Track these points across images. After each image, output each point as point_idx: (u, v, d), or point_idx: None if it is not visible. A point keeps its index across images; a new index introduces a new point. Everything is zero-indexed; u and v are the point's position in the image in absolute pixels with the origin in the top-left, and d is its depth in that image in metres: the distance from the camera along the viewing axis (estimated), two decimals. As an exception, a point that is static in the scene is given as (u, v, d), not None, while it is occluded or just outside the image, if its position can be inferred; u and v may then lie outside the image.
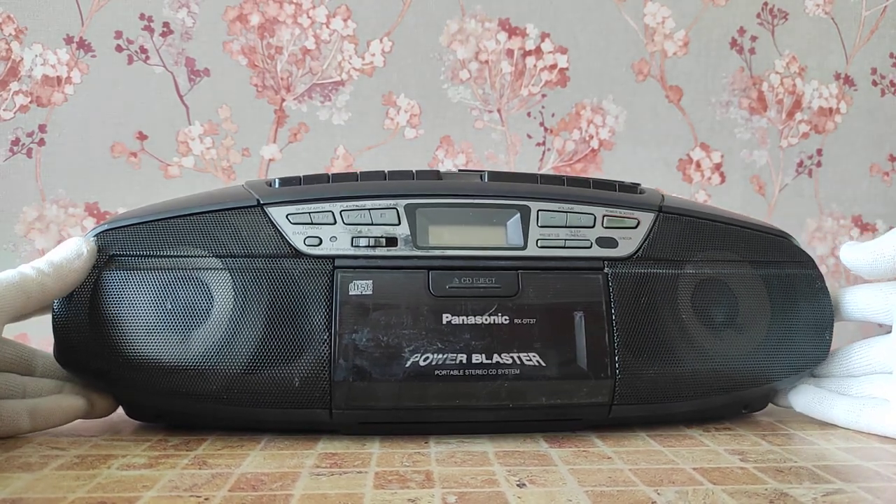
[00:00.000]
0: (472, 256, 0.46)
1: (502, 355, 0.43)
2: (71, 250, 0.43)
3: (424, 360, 0.43)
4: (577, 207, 0.47)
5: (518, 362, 0.44)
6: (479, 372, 0.43)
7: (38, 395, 0.45)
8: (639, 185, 0.51)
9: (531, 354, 0.44)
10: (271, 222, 0.45)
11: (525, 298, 0.45)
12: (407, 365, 0.43)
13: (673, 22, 0.88)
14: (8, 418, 0.43)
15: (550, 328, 0.44)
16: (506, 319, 0.44)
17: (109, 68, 0.81)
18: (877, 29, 0.92)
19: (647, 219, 0.48)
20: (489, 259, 0.46)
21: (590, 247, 0.46)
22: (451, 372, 0.43)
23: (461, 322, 0.44)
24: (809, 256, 0.51)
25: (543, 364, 0.44)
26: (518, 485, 0.35)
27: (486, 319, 0.44)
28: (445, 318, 0.44)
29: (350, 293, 0.44)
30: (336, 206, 0.46)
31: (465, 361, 0.43)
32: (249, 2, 0.83)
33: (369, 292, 0.44)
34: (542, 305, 0.45)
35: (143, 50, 0.81)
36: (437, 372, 0.43)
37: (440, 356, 0.43)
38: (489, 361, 0.43)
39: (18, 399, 0.44)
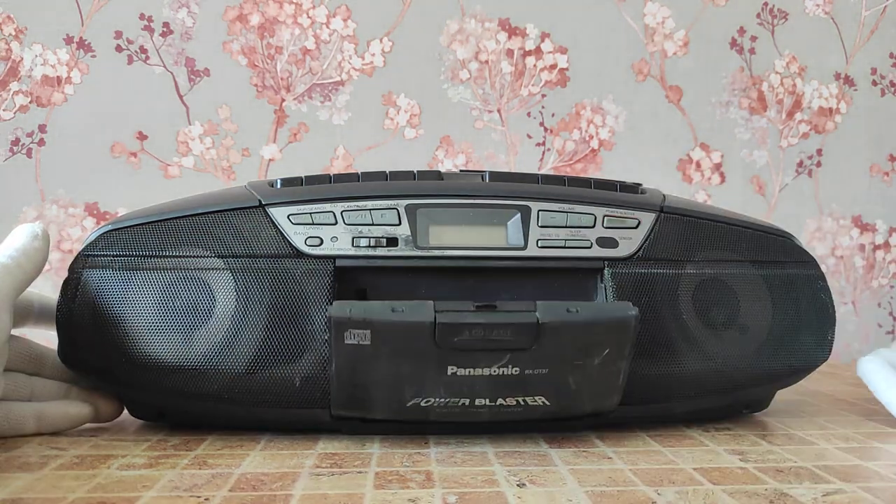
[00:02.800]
0: (473, 256, 0.46)
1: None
2: (26, 234, 0.44)
3: (426, 402, 0.42)
4: (577, 207, 0.47)
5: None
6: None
7: (45, 397, 0.46)
8: (640, 185, 0.51)
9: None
10: (273, 222, 0.45)
11: (542, 349, 0.40)
12: (408, 405, 0.42)
13: (673, 22, 0.88)
14: (14, 421, 0.43)
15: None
16: (516, 371, 0.41)
17: (109, 68, 0.81)
18: (877, 29, 0.92)
19: (647, 219, 0.48)
20: (489, 259, 0.46)
21: (590, 247, 0.46)
22: (452, 404, 0.42)
23: (467, 374, 0.41)
24: (812, 256, 0.51)
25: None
26: (518, 485, 0.35)
27: (494, 371, 0.40)
28: (451, 369, 0.40)
29: (346, 342, 0.39)
30: (337, 207, 0.46)
31: (467, 403, 0.42)
32: (249, 2, 0.83)
33: (367, 342, 0.39)
34: (557, 356, 0.41)
35: (143, 50, 0.81)
36: (437, 410, 0.42)
37: (443, 400, 0.41)
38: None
39: (25, 402, 0.44)
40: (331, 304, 0.42)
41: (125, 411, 0.48)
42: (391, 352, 0.40)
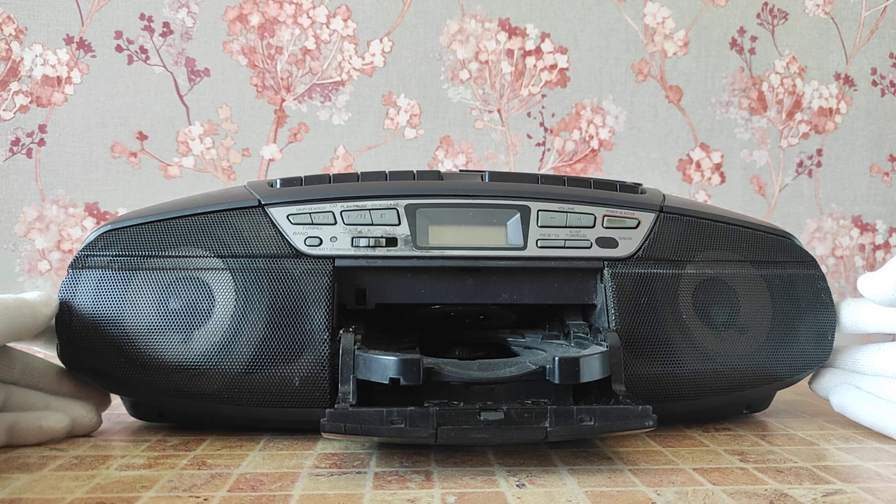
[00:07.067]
0: (472, 257, 0.46)
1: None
2: (40, 297, 0.43)
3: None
4: (577, 207, 0.47)
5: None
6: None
7: (21, 407, 0.43)
8: (640, 185, 0.51)
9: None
10: (272, 222, 0.45)
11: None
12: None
13: (673, 22, 0.88)
14: None
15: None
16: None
17: (109, 68, 0.81)
18: (877, 29, 0.92)
19: (647, 219, 0.48)
20: (489, 259, 0.46)
21: (590, 247, 0.46)
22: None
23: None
24: (812, 256, 0.50)
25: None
26: (518, 485, 0.35)
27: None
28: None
29: None
30: (336, 207, 0.46)
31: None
32: (249, 2, 0.83)
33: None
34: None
35: (143, 50, 0.81)
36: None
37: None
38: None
39: None
40: (330, 304, 0.42)
41: (125, 413, 0.48)
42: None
